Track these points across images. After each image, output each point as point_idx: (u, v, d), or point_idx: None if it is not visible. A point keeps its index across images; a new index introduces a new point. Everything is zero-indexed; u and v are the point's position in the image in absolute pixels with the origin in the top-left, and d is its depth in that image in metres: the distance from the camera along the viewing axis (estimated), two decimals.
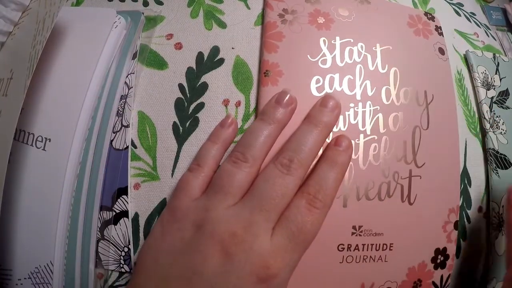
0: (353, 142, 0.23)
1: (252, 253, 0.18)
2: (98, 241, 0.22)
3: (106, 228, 0.22)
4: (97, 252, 0.22)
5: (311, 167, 0.22)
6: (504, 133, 0.26)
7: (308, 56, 0.25)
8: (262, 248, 0.18)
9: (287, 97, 0.22)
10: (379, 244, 0.23)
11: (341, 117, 0.24)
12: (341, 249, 0.22)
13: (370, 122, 0.24)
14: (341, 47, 0.25)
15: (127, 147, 0.23)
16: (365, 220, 0.23)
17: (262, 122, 0.22)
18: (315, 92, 0.24)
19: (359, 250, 0.22)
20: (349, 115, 0.24)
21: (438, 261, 0.24)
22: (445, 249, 0.24)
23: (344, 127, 0.23)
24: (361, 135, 0.24)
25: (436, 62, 0.27)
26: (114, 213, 0.22)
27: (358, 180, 0.23)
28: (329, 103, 0.23)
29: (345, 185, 0.23)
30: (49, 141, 0.22)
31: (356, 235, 0.22)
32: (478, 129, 0.27)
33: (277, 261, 0.18)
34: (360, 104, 0.24)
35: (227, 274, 0.17)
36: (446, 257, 0.24)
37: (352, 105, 0.24)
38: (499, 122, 0.27)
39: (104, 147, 0.23)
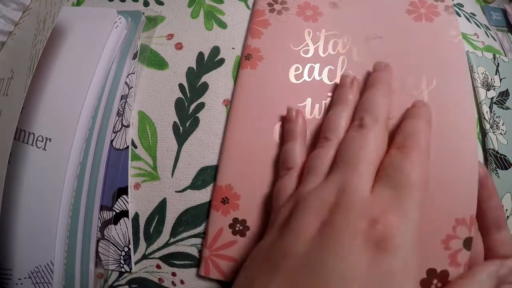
0: None
1: (351, 212, 0.14)
2: (98, 241, 0.22)
3: (106, 228, 0.22)
4: (97, 252, 0.22)
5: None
6: (504, 133, 0.26)
7: (291, 45, 0.25)
8: (363, 204, 0.15)
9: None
10: None
11: (317, 105, 0.23)
12: None
13: None
14: (325, 39, 0.26)
15: (127, 147, 0.23)
16: None
17: (339, 103, 0.21)
18: (293, 79, 0.24)
19: None
20: (325, 103, 0.23)
21: (433, 286, 0.18)
22: (445, 272, 0.18)
23: (318, 116, 0.23)
24: None
25: (441, 44, 0.25)
26: (114, 213, 0.22)
27: None
28: (382, 65, 0.22)
29: None
30: (50, 141, 0.22)
31: None
32: (478, 130, 0.27)
33: (385, 213, 0.14)
34: None
35: (324, 247, 0.14)
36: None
37: (330, 94, 0.24)
38: (499, 122, 0.27)
39: (104, 147, 0.23)
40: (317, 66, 0.25)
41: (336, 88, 0.24)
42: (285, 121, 0.22)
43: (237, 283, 0.16)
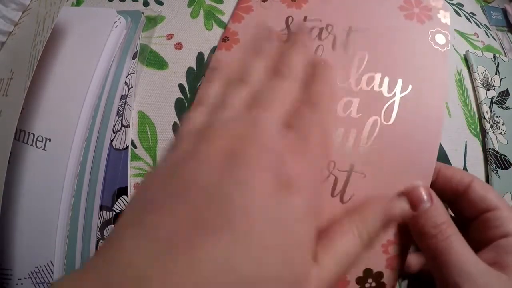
0: None
1: (262, 145, 0.14)
2: (98, 241, 0.22)
3: (106, 228, 0.22)
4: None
5: None
6: (504, 133, 0.26)
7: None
8: (274, 140, 0.14)
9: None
10: None
11: None
12: None
13: None
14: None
15: (127, 147, 0.23)
16: None
17: (255, 51, 0.20)
18: None
19: None
20: None
21: (367, 285, 0.19)
22: (379, 274, 0.19)
23: None
24: None
25: (426, 50, 0.24)
26: (114, 213, 0.22)
27: None
28: (302, 26, 0.22)
29: None
30: (49, 141, 0.22)
31: None
32: (478, 129, 0.27)
33: (296, 156, 0.14)
34: None
35: (233, 177, 0.13)
36: (380, 285, 0.19)
37: None
38: (499, 122, 0.27)
39: (104, 147, 0.23)
40: None
41: None
42: (209, 66, 0.23)
43: (126, 212, 0.14)
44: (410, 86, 0.23)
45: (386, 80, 0.23)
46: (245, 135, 0.14)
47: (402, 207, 0.18)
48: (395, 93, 0.23)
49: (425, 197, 0.19)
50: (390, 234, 0.19)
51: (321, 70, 0.19)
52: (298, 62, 0.19)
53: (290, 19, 0.26)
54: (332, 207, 0.20)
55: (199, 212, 0.12)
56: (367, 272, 0.19)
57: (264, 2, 0.26)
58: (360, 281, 0.19)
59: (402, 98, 0.22)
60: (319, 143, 0.16)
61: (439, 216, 0.18)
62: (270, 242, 0.12)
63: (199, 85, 0.25)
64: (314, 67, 0.19)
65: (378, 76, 0.23)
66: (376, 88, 0.23)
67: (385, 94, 0.23)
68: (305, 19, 0.26)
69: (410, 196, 0.19)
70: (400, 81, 0.23)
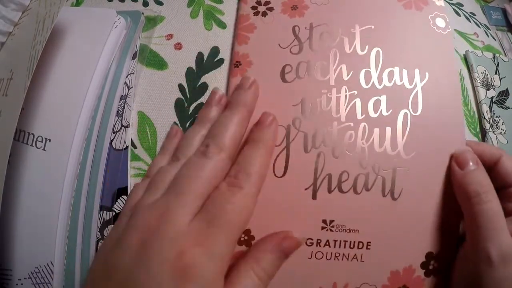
0: (325, 130, 0.22)
1: (166, 240, 0.16)
2: (98, 241, 0.22)
3: (106, 228, 0.22)
4: (97, 252, 0.22)
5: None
6: (504, 133, 0.26)
7: (279, 44, 0.25)
8: (176, 234, 0.16)
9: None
10: (354, 242, 0.21)
11: (310, 104, 0.23)
12: (310, 244, 0.21)
13: (345, 109, 0.23)
14: (314, 33, 0.25)
15: (127, 147, 0.23)
16: (337, 214, 0.21)
17: (199, 121, 0.22)
18: (284, 80, 0.23)
19: (330, 247, 0.21)
20: (320, 101, 0.23)
21: (431, 267, 0.21)
22: (440, 254, 0.21)
23: (315, 114, 0.22)
24: (335, 123, 0.22)
25: (431, 36, 0.25)
26: (114, 213, 0.22)
27: (330, 171, 0.21)
28: (245, 83, 0.22)
29: (315, 176, 0.21)
30: (49, 141, 0.22)
31: (327, 230, 0.21)
32: (478, 129, 0.27)
33: (194, 247, 0.16)
34: (333, 90, 0.23)
35: (142, 266, 0.16)
36: (441, 265, 0.21)
37: (324, 91, 0.23)
38: (499, 122, 0.27)
39: (104, 147, 0.23)
40: (308, 63, 0.24)
41: (329, 84, 0.23)
42: (166, 136, 0.24)
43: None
44: (427, 74, 0.24)
45: (405, 72, 0.24)
46: (154, 227, 0.17)
47: (299, 240, 0.20)
48: (415, 84, 0.23)
49: (472, 159, 0.20)
50: (442, 217, 0.21)
51: (257, 131, 0.21)
52: (232, 134, 0.20)
53: (297, 28, 0.25)
54: (385, 206, 0.21)
55: None
56: (429, 256, 0.21)
57: (265, 16, 0.26)
58: (424, 265, 0.21)
59: (423, 87, 0.23)
60: (227, 226, 0.17)
61: (484, 179, 0.20)
62: None
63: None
64: (254, 128, 0.21)
65: (397, 70, 0.24)
66: (398, 82, 0.24)
67: (407, 86, 0.23)
68: (311, 25, 0.25)
69: (459, 158, 0.21)
70: (417, 71, 0.24)
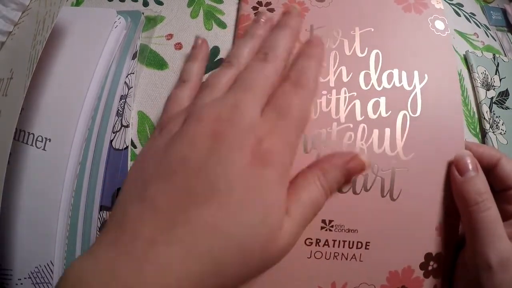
0: (324, 131, 0.22)
1: (241, 127, 0.16)
2: None
3: None
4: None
5: None
6: (504, 133, 0.26)
7: None
8: (252, 122, 0.17)
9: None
10: (353, 242, 0.21)
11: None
12: (309, 244, 0.21)
13: (345, 110, 0.23)
14: (314, 35, 0.25)
15: (127, 147, 0.23)
16: (336, 215, 0.21)
17: (248, 36, 0.22)
18: None
19: (329, 246, 0.21)
20: (320, 102, 0.23)
21: (430, 268, 0.21)
22: (439, 255, 0.21)
23: (315, 116, 0.23)
24: (334, 124, 0.22)
25: (430, 38, 0.25)
26: None
27: None
28: (293, 11, 0.23)
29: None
30: (49, 141, 0.22)
31: (326, 230, 0.21)
32: (478, 130, 0.27)
33: (271, 136, 0.16)
34: (333, 91, 0.23)
35: (216, 155, 0.15)
36: (441, 265, 0.21)
37: (324, 92, 0.23)
38: (499, 122, 0.27)
39: (104, 147, 0.23)
40: None
41: (329, 85, 0.23)
42: (192, 48, 0.24)
43: (126, 189, 0.17)
44: (426, 76, 0.24)
45: (404, 74, 0.24)
46: (226, 118, 0.16)
47: (365, 163, 0.20)
48: (415, 85, 0.24)
49: (472, 165, 0.20)
50: (440, 217, 0.21)
51: (308, 48, 0.21)
52: (284, 43, 0.20)
53: None
54: (384, 207, 0.21)
55: (190, 186, 0.15)
56: (428, 256, 0.21)
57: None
58: (423, 266, 0.21)
59: (422, 88, 0.24)
60: (296, 119, 0.18)
61: (483, 185, 0.20)
62: (248, 205, 0.15)
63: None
64: (305, 45, 0.21)
65: (396, 72, 0.24)
66: (397, 83, 0.24)
67: (406, 88, 0.24)
68: (311, 27, 0.25)
69: (459, 164, 0.21)
70: (416, 73, 0.24)
